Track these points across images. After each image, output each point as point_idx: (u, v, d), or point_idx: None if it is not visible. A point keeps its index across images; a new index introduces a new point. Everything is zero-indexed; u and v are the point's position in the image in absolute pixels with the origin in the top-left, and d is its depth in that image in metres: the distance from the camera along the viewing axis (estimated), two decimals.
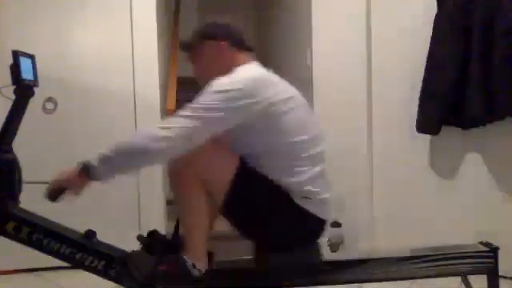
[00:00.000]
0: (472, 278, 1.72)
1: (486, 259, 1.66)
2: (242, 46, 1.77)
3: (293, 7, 3.67)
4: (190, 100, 1.55)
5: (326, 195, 1.66)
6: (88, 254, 1.65)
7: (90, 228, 1.71)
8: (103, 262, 1.64)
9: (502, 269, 1.68)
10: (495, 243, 1.69)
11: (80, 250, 1.65)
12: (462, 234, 2.01)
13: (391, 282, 1.70)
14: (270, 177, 1.59)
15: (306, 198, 1.60)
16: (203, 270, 1.58)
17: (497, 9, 2.27)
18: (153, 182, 2.96)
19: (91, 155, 1.53)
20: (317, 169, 1.64)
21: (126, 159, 1.51)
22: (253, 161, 1.60)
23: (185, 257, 1.58)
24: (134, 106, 2.92)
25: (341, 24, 2.93)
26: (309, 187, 1.60)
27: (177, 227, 1.69)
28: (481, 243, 1.73)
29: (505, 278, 2.04)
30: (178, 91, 3.51)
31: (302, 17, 3.29)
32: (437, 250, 1.68)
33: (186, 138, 1.48)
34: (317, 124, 1.75)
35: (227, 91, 1.52)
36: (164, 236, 1.71)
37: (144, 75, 2.93)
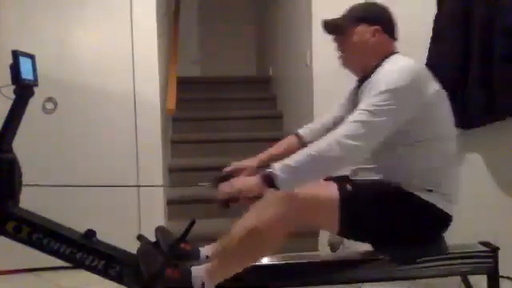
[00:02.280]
0: (472, 278, 1.72)
1: (485, 259, 1.66)
2: (393, 32, 1.70)
3: (293, 7, 3.67)
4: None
5: (453, 189, 1.62)
6: (88, 254, 1.64)
7: (90, 228, 1.71)
8: (103, 262, 1.64)
9: (502, 269, 1.68)
10: (495, 243, 1.69)
11: (80, 249, 1.65)
12: (462, 234, 2.01)
13: (391, 281, 1.70)
14: (397, 170, 1.56)
15: (431, 190, 1.56)
16: None
17: (497, 9, 2.27)
18: (153, 182, 2.96)
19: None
20: (450, 161, 1.62)
21: (314, 170, 1.47)
22: (389, 154, 1.57)
23: (197, 272, 1.54)
24: (134, 106, 2.92)
25: None
26: (438, 178, 1.58)
27: (189, 228, 1.62)
28: (481, 243, 1.72)
29: (505, 278, 2.04)
30: (177, 91, 3.51)
31: (302, 17, 3.29)
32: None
33: (370, 144, 1.47)
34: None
35: (396, 89, 1.47)
36: (172, 236, 1.69)
37: (144, 75, 2.93)
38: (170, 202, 3.23)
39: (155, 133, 2.99)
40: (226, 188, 1.50)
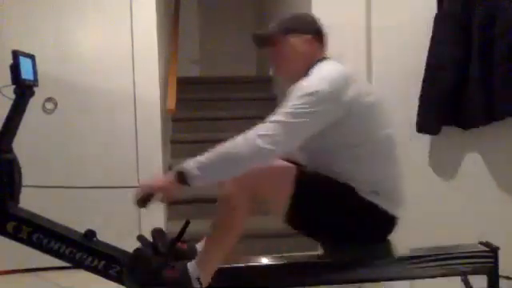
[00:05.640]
0: (472, 278, 1.72)
1: (486, 259, 1.66)
2: (323, 40, 1.73)
3: (293, 7, 3.67)
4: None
5: (397, 192, 1.64)
6: (88, 254, 1.64)
7: (90, 228, 1.71)
8: (103, 262, 1.64)
9: (502, 269, 1.68)
10: (495, 243, 1.69)
11: (80, 249, 1.65)
12: (462, 234, 2.01)
13: (391, 281, 1.70)
14: (340, 173, 1.56)
15: (376, 192, 1.58)
16: (204, 286, 1.55)
17: (497, 9, 2.27)
18: None
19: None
20: (392, 164, 1.64)
21: (226, 167, 1.49)
22: (327, 157, 1.59)
23: (192, 267, 1.56)
24: (134, 106, 2.92)
25: (341, 24, 2.93)
26: (380, 181, 1.59)
27: (184, 228, 1.65)
28: (481, 243, 1.72)
29: (505, 277, 2.04)
30: (177, 91, 3.51)
31: None
32: (437, 250, 1.68)
33: (283, 145, 1.48)
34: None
35: (316, 92, 1.49)
36: (169, 236, 1.70)
37: (144, 75, 2.93)
38: (170, 202, 3.23)
39: (155, 133, 2.99)
40: (142, 187, 1.54)
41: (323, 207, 1.58)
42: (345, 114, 1.53)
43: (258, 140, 1.46)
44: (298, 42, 1.69)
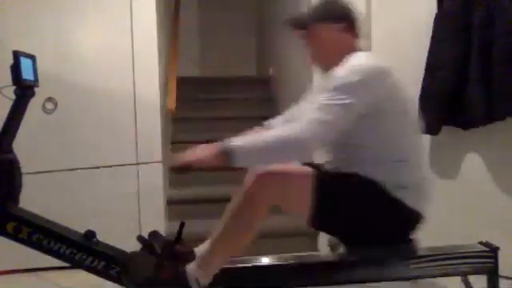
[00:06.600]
0: (472, 278, 1.72)
1: (486, 259, 1.66)
2: (356, 29, 1.71)
3: (293, 6, 3.67)
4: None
5: (424, 188, 1.64)
6: (88, 254, 1.65)
7: (90, 228, 1.71)
8: (103, 263, 1.64)
9: (502, 269, 1.68)
10: (495, 243, 1.69)
11: (80, 250, 1.65)
12: (462, 234, 2.01)
13: (391, 281, 1.70)
14: (366, 170, 1.56)
15: (404, 187, 1.57)
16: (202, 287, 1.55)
17: (497, 9, 2.27)
18: (153, 182, 2.96)
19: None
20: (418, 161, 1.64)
21: (269, 157, 1.51)
22: (353, 152, 1.59)
23: (191, 269, 1.55)
24: (134, 106, 2.92)
25: None
26: (408, 175, 1.59)
27: (180, 230, 1.65)
28: (481, 243, 1.72)
29: (505, 278, 2.04)
30: (177, 91, 3.51)
31: None
32: (437, 250, 1.68)
33: (323, 137, 1.49)
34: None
35: (352, 84, 1.50)
36: (165, 238, 1.70)
37: (144, 75, 2.93)
38: (170, 203, 3.24)
39: (155, 133, 2.99)
40: (183, 155, 1.52)
41: (346, 206, 1.57)
42: (377, 108, 1.53)
43: (298, 132, 1.47)
44: (330, 30, 1.67)
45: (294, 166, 1.60)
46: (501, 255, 1.66)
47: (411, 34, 2.66)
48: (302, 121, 1.49)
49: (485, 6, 2.30)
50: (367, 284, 1.77)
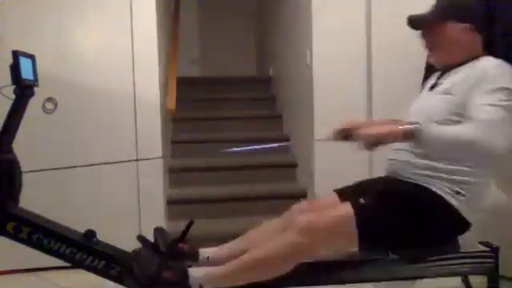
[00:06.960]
0: (472, 278, 1.72)
1: (485, 259, 1.66)
2: (482, 29, 1.68)
3: (293, 6, 3.67)
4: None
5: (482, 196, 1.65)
6: (88, 254, 1.65)
7: (90, 228, 1.71)
8: (103, 262, 1.64)
9: (502, 269, 1.68)
10: (495, 243, 1.69)
11: (80, 249, 1.65)
12: (462, 234, 2.01)
13: (391, 281, 1.70)
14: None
15: (460, 193, 1.58)
16: None
17: (497, 9, 2.27)
18: (153, 182, 2.96)
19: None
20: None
21: (449, 150, 1.53)
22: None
23: (196, 273, 1.55)
24: (134, 106, 2.92)
25: (341, 24, 2.93)
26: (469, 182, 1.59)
27: (187, 229, 1.65)
28: (481, 243, 1.72)
29: (505, 278, 2.04)
30: (177, 91, 3.51)
31: (302, 16, 3.29)
32: (437, 250, 1.68)
33: (501, 142, 1.49)
34: None
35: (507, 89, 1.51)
36: (170, 236, 1.69)
37: (144, 75, 2.93)
38: (170, 202, 3.23)
39: (155, 133, 2.98)
40: (370, 131, 1.51)
41: (391, 225, 1.57)
42: None
43: (475, 135, 1.46)
44: (455, 29, 1.64)
45: (332, 213, 1.59)
46: (501, 255, 1.65)
47: (411, 33, 2.65)
48: (495, 127, 1.47)
49: (485, 6, 2.30)
50: (367, 284, 1.78)
